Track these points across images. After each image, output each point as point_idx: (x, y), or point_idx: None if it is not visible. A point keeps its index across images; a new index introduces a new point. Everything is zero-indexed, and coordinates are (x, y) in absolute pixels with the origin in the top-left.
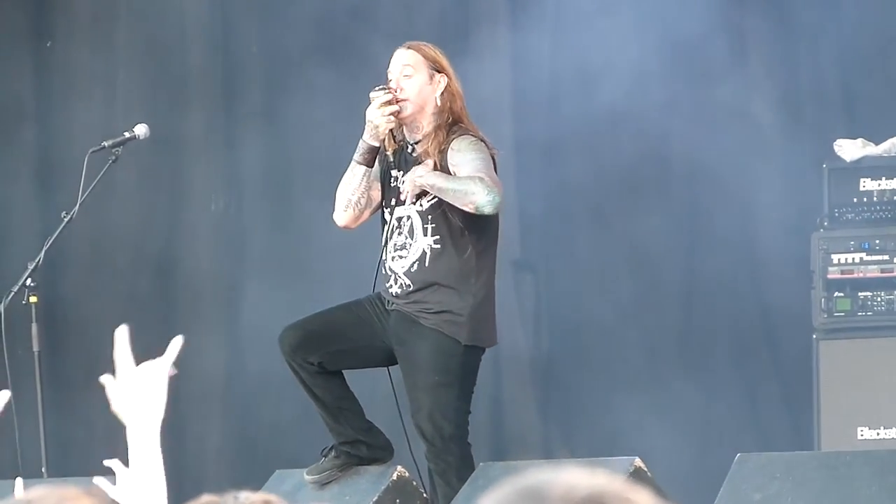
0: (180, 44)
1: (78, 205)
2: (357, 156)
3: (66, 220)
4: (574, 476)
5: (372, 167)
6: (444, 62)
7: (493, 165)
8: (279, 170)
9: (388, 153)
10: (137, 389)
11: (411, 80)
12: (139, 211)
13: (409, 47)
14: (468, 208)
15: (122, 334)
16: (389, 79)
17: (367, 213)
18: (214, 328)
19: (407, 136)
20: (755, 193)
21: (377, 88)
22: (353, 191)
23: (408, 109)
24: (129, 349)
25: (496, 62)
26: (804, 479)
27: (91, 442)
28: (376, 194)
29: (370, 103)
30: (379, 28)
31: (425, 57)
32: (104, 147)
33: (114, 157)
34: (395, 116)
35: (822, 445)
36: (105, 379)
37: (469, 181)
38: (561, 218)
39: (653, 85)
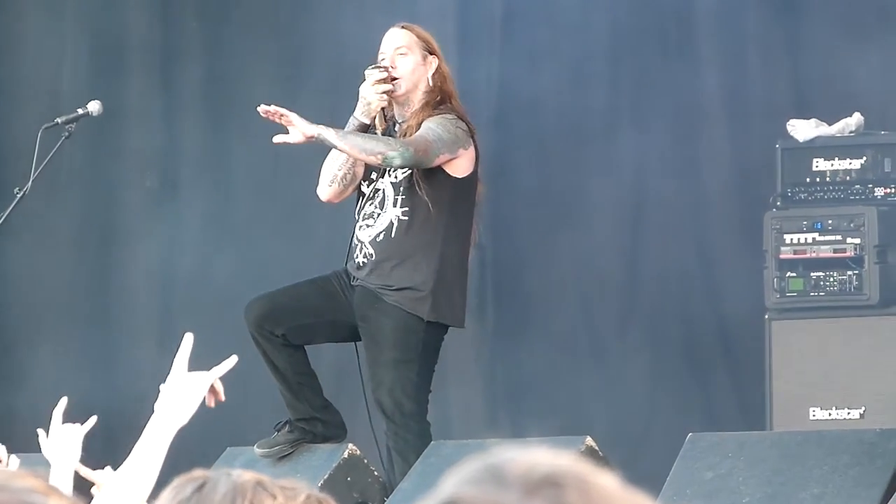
0: (122, 16)
1: (31, 181)
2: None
3: (18, 196)
4: (536, 456)
5: None
6: (435, 44)
7: (460, 142)
8: (220, 142)
9: (378, 131)
10: (180, 391)
11: (406, 59)
12: (82, 186)
13: (403, 27)
14: (375, 160)
15: (188, 341)
16: (381, 58)
17: (350, 190)
18: (155, 302)
19: (397, 115)
20: (708, 172)
21: (372, 67)
22: (339, 166)
23: (401, 88)
24: (188, 356)
25: (442, 27)
26: (756, 458)
27: (36, 415)
28: (361, 171)
29: (364, 80)
30: None
31: (419, 37)
32: (57, 123)
33: (67, 134)
34: (389, 95)
35: (773, 425)
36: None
37: (382, 138)
38: (505, 193)
39: (600, 62)
